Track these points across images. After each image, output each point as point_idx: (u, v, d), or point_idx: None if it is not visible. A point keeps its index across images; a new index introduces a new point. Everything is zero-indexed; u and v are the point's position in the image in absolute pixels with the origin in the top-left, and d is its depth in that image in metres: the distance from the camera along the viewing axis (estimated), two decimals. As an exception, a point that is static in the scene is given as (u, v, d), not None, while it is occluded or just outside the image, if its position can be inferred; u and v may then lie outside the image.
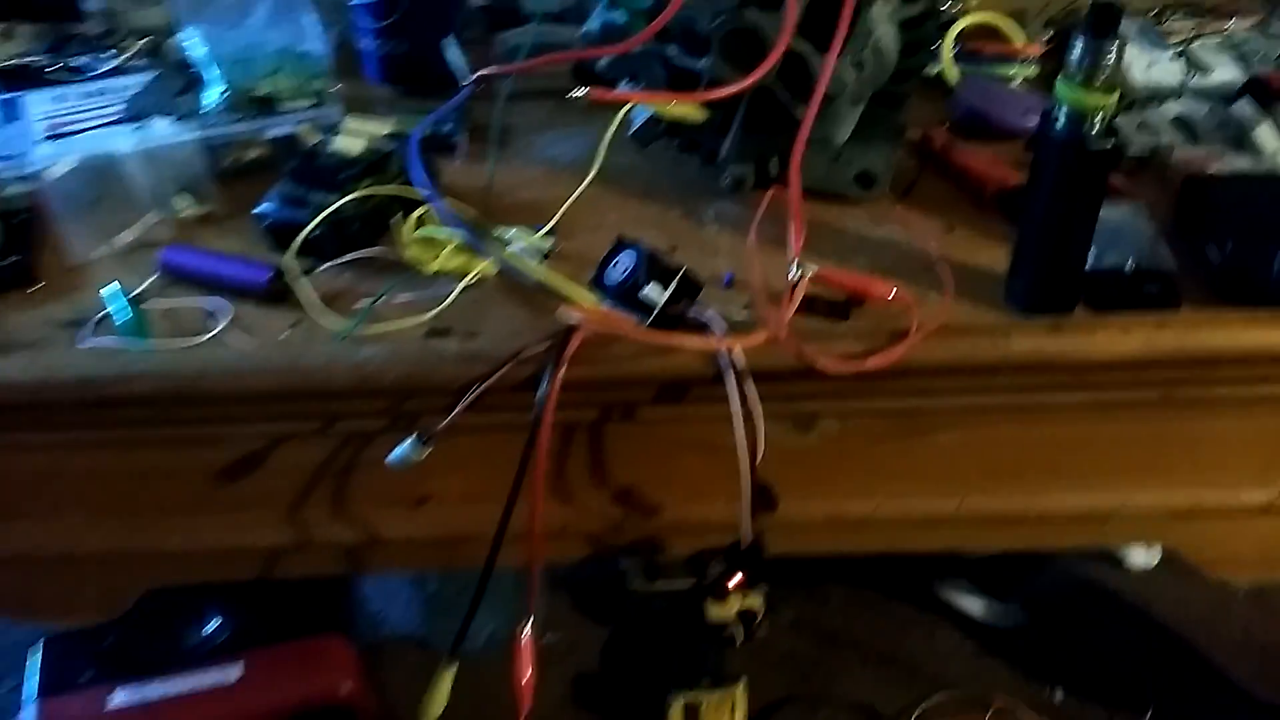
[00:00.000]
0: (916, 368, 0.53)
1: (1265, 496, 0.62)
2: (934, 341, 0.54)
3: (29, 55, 0.89)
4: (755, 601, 1.22)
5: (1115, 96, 0.54)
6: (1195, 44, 0.82)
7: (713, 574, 0.64)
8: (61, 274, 0.65)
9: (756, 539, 0.58)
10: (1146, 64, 0.80)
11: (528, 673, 0.58)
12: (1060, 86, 0.55)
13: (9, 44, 0.92)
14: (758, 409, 0.53)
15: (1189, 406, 0.58)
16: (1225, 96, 0.76)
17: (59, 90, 0.78)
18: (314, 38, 0.76)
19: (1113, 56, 0.53)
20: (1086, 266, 0.60)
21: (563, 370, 0.50)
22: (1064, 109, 0.55)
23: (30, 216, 0.68)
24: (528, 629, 0.57)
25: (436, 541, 0.64)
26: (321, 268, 0.62)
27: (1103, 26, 0.53)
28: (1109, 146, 0.55)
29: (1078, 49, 0.54)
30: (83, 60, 0.85)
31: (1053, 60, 0.79)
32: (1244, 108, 0.74)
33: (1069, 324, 0.55)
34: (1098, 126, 0.55)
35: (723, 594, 0.66)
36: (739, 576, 0.63)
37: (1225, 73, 0.79)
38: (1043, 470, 0.61)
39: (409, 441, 0.52)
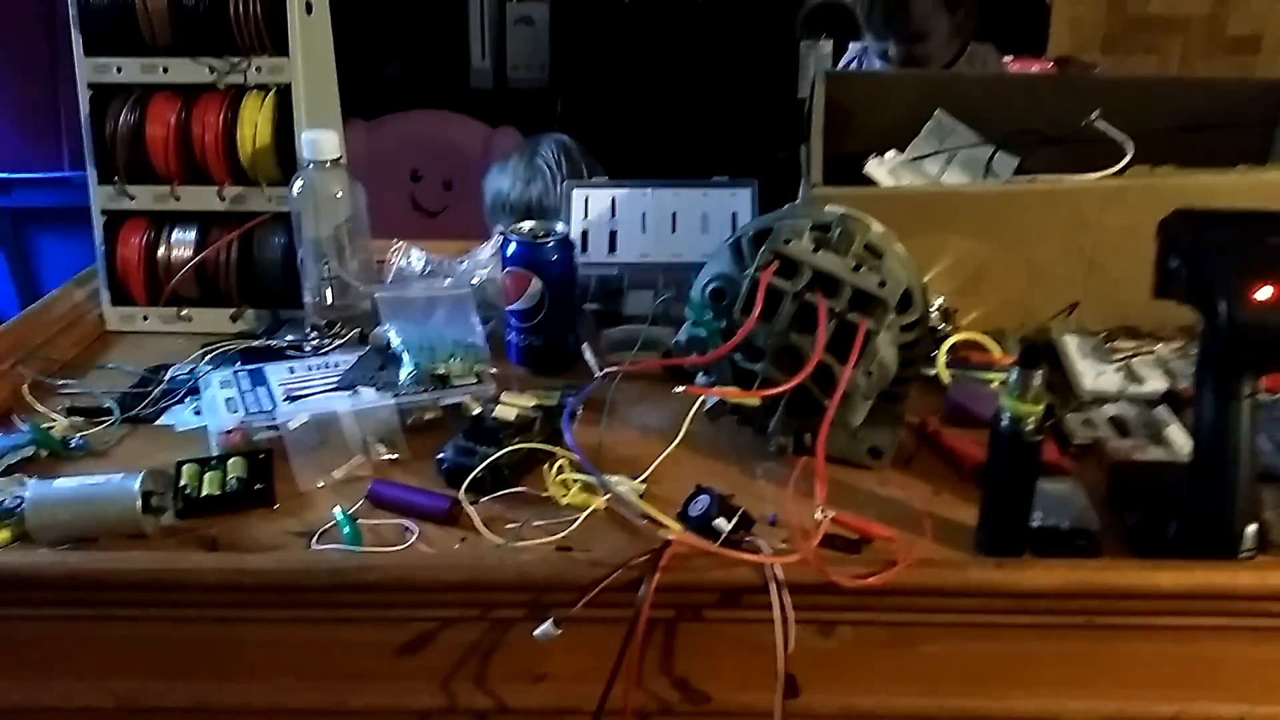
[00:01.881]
0: (902, 588, 0.75)
1: (1172, 709, 0.80)
2: (915, 569, 0.75)
3: (253, 335, 1.19)
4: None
5: (1042, 406, 0.78)
6: (1134, 360, 1.06)
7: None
8: (293, 498, 0.90)
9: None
10: (1095, 374, 1.04)
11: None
12: (1003, 398, 0.79)
13: (238, 324, 1.22)
14: (791, 614, 0.76)
15: (1107, 632, 0.78)
16: (1150, 402, 0.99)
17: (289, 363, 1.06)
18: (477, 334, 1.04)
19: (1038, 380, 0.78)
20: (1034, 525, 0.82)
21: (658, 575, 0.74)
22: (1007, 413, 0.79)
23: (270, 455, 0.92)
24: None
25: (548, 712, 0.84)
26: (484, 499, 0.87)
27: (1029, 361, 0.78)
28: (1038, 439, 0.79)
29: (1014, 375, 0.78)
30: (298, 339, 1.15)
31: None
32: (1162, 412, 0.98)
33: (1010, 562, 0.78)
34: (1029, 426, 0.78)
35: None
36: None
37: (1155, 383, 1.02)
38: (1001, 678, 0.80)
39: (549, 623, 0.75)
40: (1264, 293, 0.74)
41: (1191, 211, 0.80)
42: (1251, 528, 0.79)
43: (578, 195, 1.29)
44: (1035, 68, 2.38)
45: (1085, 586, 0.76)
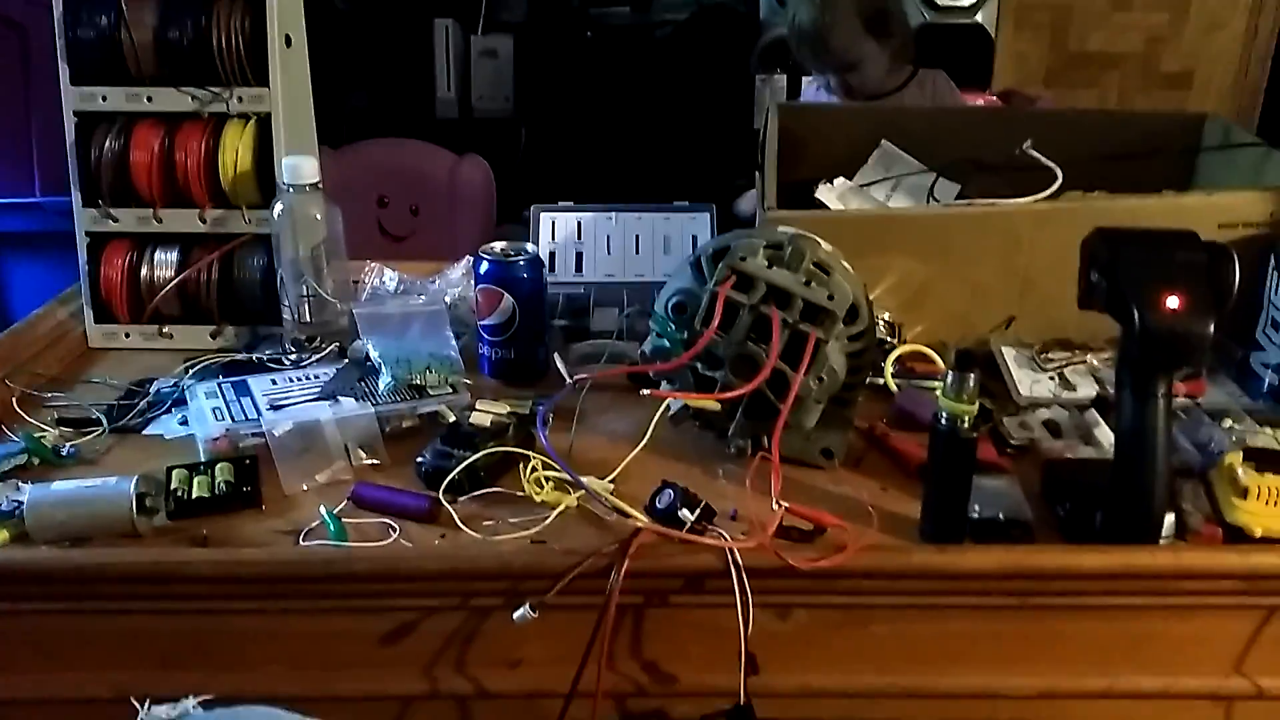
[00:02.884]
0: (852, 571, 0.82)
1: (1103, 683, 0.87)
2: (863, 553, 0.82)
3: (234, 350, 1.24)
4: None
5: (975, 406, 0.85)
6: (1067, 369, 1.14)
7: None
8: (279, 500, 0.95)
9: (748, 702, 0.85)
10: (1030, 382, 1.12)
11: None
12: (940, 399, 0.86)
13: (218, 340, 1.27)
14: (751, 596, 0.82)
15: (1039, 611, 0.85)
16: (1081, 407, 1.07)
17: (272, 375, 1.11)
18: (451, 347, 1.10)
19: (971, 382, 0.85)
20: (973, 516, 0.90)
21: (627, 562, 0.80)
22: (944, 413, 0.87)
23: (257, 460, 0.97)
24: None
25: (524, 695, 0.89)
26: (461, 499, 0.93)
27: (963, 365, 0.85)
28: (973, 436, 0.86)
29: (950, 377, 0.86)
30: (277, 354, 1.19)
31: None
32: (1092, 415, 1.06)
33: (950, 547, 0.85)
34: (965, 424, 0.86)
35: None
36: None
37: (1086, 390, 1.10)
38: (945, 656, 0.87)
39: (525, 606, 0.81)
40: (1173, 302, 0.82)
41: (1110, 230, 0.89)
42: (1170, 516, 0.87)
43: (545, 218, 1.35)
44: (980, 101, 2.49)
45: (1018, 568, 0.83)
